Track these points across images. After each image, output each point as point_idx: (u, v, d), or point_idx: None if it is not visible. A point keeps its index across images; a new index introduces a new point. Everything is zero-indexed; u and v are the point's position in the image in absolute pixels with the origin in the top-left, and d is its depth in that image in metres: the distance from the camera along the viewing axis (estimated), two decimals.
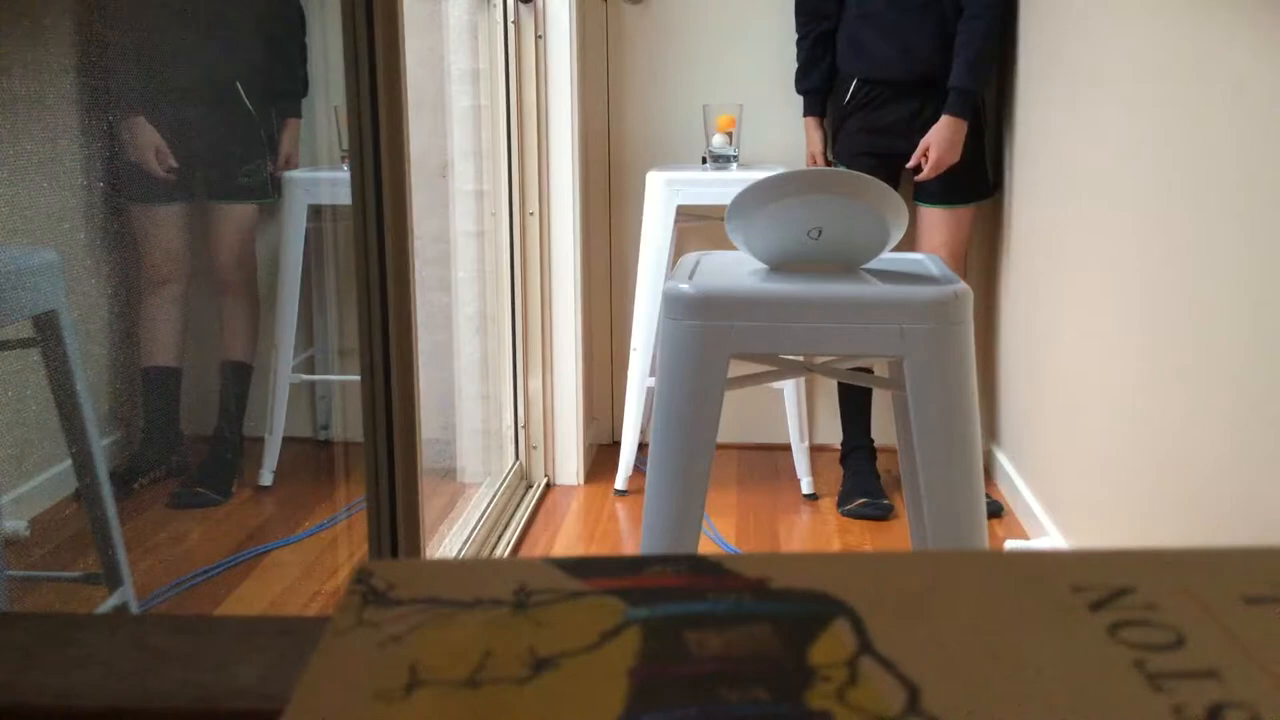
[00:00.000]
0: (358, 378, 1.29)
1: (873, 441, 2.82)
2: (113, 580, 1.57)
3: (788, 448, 2.86)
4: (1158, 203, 1.76)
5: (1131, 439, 1.88)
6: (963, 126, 2.61)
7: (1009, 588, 0.28)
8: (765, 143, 3.00)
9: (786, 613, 0.27)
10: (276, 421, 2.30)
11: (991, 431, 2.91)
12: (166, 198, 2.03)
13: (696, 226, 2.98)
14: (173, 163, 1.98)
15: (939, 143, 2.60)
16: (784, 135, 2.99)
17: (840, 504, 2.69)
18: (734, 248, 1.52)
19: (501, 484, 2.64)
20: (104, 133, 1.85)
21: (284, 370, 2.32)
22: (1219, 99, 1.53)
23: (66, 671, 0.33)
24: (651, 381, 2.69)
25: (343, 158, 2.35)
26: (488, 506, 2.49)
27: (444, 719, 0.23)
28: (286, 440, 2.32)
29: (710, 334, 1.35)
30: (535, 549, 2.50)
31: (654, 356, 2.71)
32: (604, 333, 3.15)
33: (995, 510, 2.63)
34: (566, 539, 2.55)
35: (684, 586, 0.28)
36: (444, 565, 0.30)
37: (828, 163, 2.83)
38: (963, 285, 1.36)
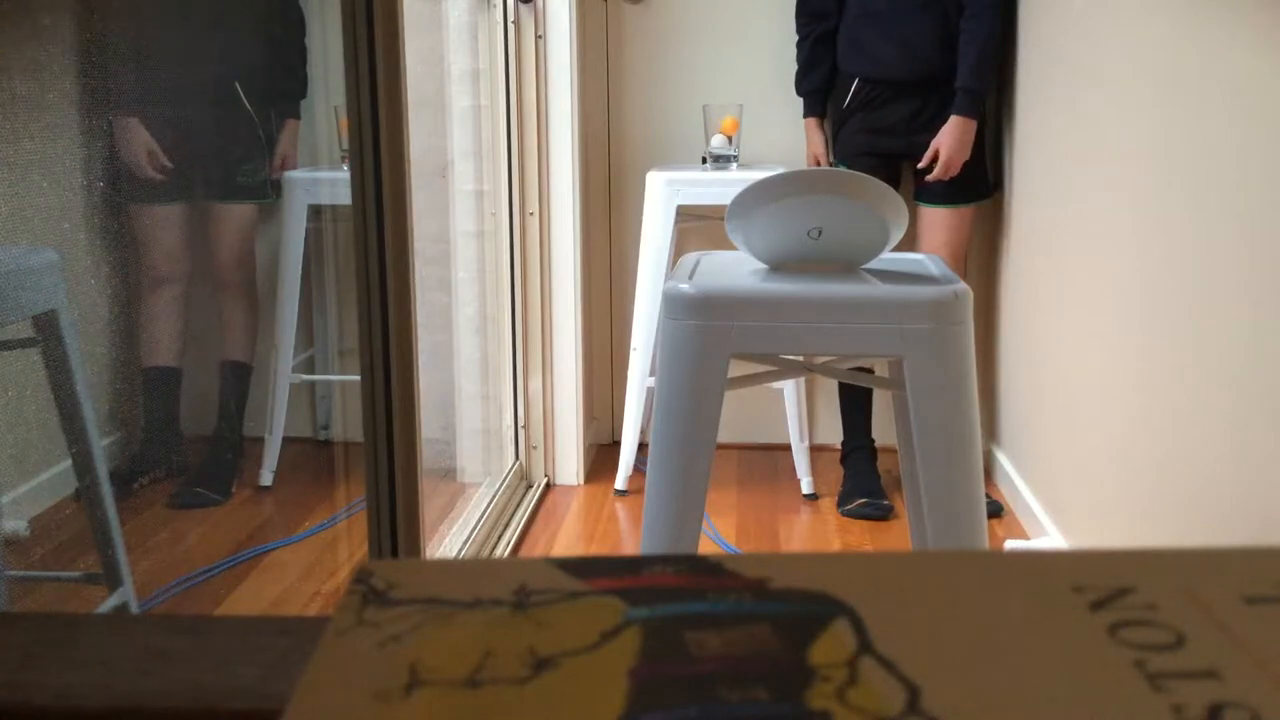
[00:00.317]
0: (358, 378, 1.30)
1: (873, 441, 2.82)
2: (113, 580, 1.57)
3: (788, 448, 2.87)
4: (1157, 203, 1.76)
5: (1131, 439, 1.88)
6: (972, 126, 2.61)
7: (1009, 588, 0.28)
8: (765, 143, 3.00)
9: (786, 613, 0.27)
10: (276, 421, 2.30)
11: (991, 431, 2.91)
12: (166, 198, 2.03)
13: (696, 226, 2.98)
14: (166, 164, 1.98)
15: (949, 143, 2.60)
16: (784, 135, 2.99)
17: (840, 504, 2.69)
18: (734, 248, 1.52)
19: (501, 484, 2.64)
20: (104, 133, 1.86)
21: (284, 370, 2.32)
22: (1219, 99, 1.53)
23: (66, 671, 0.33)
24: (651, 381, 2.69)
25: (342, 158, 2.35)
26: (488, 507, 2.49)
27: (444, 719, 0.23)
28: (286, 440, 2.32)
29: (710, 334, 1.35)
30: (535, 549, 2.50)
31: (654, 356, 2.71)
32: (604, 333, 3.15)
33: (995, 510, 2.63)
34: (566, 539, 2.55)
35: (684, 586, 0.28)
36: (444, 565, 0.30)
37: (829, 164, 2.83)
38: (963, 285, 1.35)
